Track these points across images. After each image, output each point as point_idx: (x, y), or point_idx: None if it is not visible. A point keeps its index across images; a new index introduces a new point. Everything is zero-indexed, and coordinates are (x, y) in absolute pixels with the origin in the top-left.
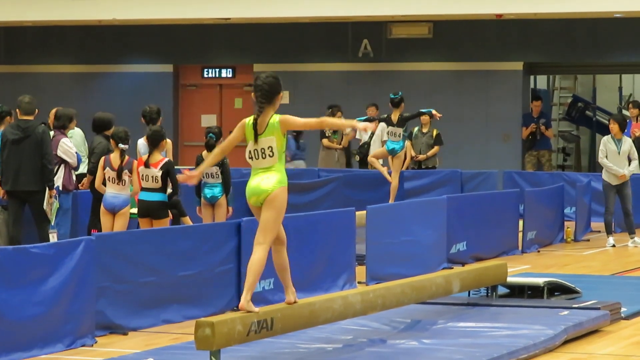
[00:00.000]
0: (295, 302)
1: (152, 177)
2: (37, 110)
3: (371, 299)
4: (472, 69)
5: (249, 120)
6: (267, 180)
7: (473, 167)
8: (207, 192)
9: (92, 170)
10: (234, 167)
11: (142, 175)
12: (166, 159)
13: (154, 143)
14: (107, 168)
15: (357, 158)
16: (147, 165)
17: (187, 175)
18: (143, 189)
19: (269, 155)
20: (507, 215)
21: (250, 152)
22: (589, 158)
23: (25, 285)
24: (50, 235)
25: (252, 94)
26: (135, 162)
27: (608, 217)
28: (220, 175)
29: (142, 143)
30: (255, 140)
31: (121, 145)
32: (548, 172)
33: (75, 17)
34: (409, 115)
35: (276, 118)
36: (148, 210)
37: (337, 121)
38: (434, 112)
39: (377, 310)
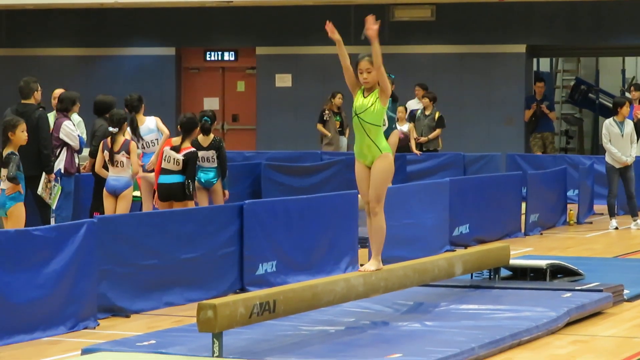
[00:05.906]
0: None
1: (174, 159)
2: (35, 91)
3: (373, 281)
4: (475, 51)
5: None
6: None
7: (476, 149)
8: (202, 176)
9: (94, 153)
10: (235, 151)
11: (166, 155)
12: (193, 149)
13: (187, 130)
14: (106, 151)
15: None
16: (174, 148)
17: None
18: (162, 170)
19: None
20: (509, 197)
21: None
22: (592, 141)
23: (27, 268)
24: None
25: (361, 74)
26: (133, 143)
27: (611, 199)
28: (216, 160)
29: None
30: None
31: (110, 129)
32: (551, 155)
33: None
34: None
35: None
36: (170, 193)
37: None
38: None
39: (380, 293)
